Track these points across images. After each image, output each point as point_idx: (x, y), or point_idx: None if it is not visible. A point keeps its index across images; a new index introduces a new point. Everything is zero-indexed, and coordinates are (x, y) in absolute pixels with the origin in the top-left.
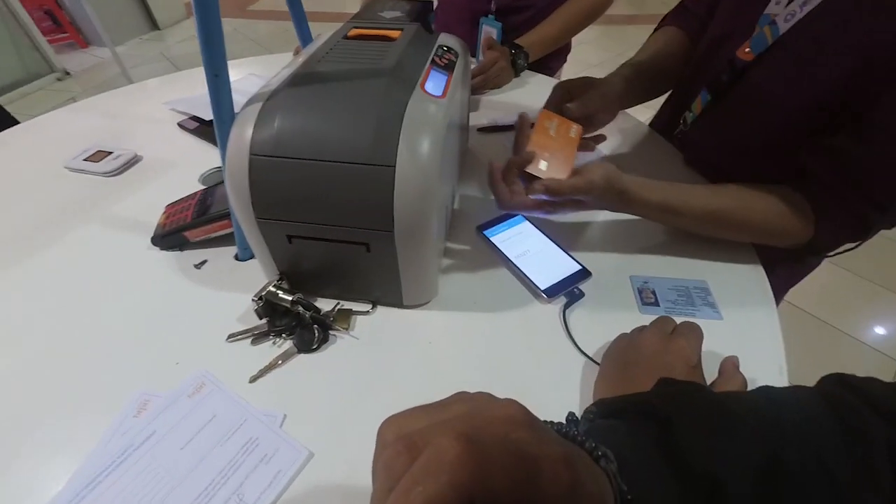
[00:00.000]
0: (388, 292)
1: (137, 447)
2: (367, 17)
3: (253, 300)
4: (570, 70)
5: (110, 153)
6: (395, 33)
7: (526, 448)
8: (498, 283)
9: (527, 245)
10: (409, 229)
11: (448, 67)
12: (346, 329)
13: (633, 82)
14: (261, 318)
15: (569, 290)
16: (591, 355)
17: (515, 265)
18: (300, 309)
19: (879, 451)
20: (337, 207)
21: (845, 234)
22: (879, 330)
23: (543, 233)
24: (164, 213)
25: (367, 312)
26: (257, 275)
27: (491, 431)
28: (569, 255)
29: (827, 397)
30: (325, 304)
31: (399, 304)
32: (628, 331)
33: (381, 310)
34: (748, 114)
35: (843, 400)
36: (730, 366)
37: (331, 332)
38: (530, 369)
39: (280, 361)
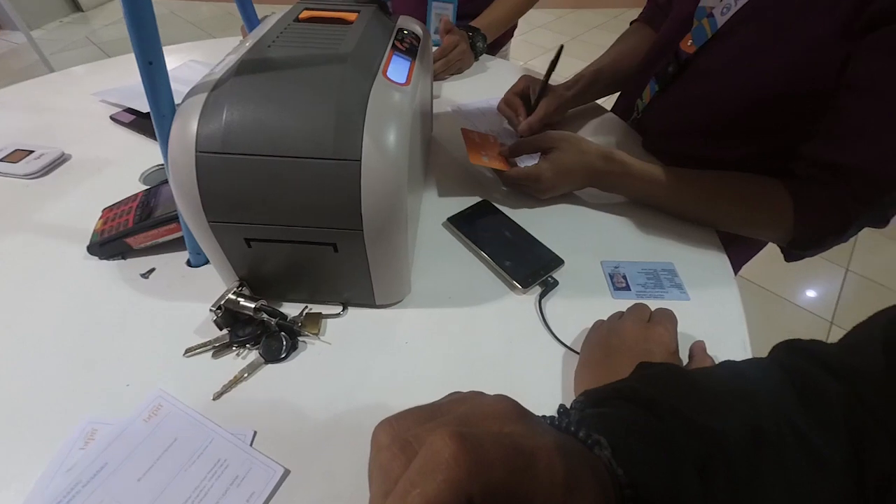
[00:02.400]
0: (359, 293)
1: (86, 483)
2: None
3: (211, 310)
4: (525, 52)
5: (31, 152)
6: (351, 16)
7: (520, 441)
8: (471, 276)
9: (498, 235)
10: (378, 227)
11: (410, 52)
12: (316, 334)
13: (586, 90)
14: (221, 329)
15: (543, 279)
16: (569, 344)
17: (488, 257)
18: (265, 316)
19: (835, 406)
20: (299, 207)
21: (827, 228)
22: (811, 293)
23: (514, 222)
24: (101, 217)
25: (337, 315)
26: (214, 281)
27: (485, 428)
28: (541, 243)
29: (783, 365)
30: (291, 309)
31: (371, 303)
32: (604, 317)
33: (352, 311)
34: (692, 102)
35: (798, 365)
36: (699, 349)
37: (300, 338)
38: (510, 362)
39: (246, 374)
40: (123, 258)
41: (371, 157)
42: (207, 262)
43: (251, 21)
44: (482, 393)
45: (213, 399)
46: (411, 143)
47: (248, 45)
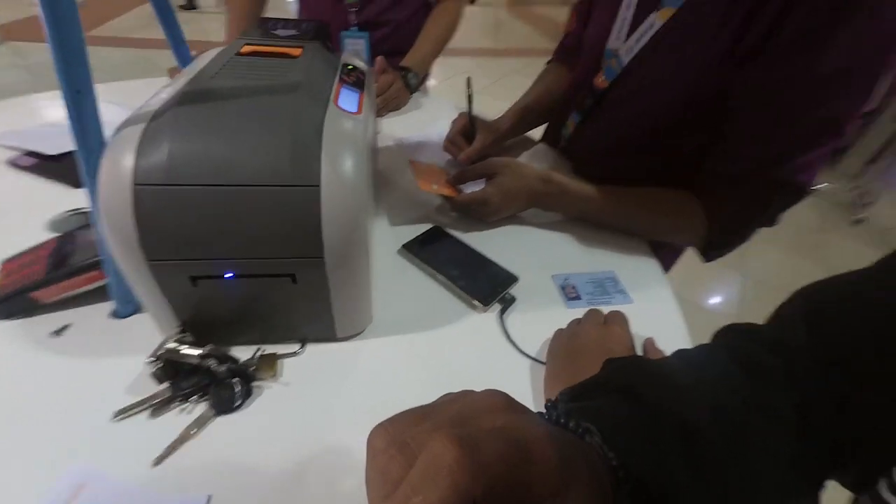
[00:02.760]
0: (318, 326)
1: None
2: (257, 35)
3: (148, 362)
4: (450, 94)
5: None
6: (295, 51)
7: (514, 433)
8: (431, 300)
9: (453, 258)
10: (340, 253)
11: (357, 85)
12: (273, 376)
13: (518, 125)
14: (160, 383)
15: (501, 296)
16: (533, 355)
17: (447, 279)
18: (213, 363)
19: (773, 376)
20: (254, 238)
21: (731, 230)
22: (716, 298)
23: (466, 245)
24: (1, 271)
25: (295, 353)
26: (146, 331)
27: (479, 424)
28: (494, 262)
29: (727, 347)
30: (242, 353)
31: (332, 337)
32: (563, 326)
33: (311, 347)
34: (610, 128)
35: (739, 345)
36: (650, 345)
37: (254, 383)
38: (480, 378)
39: (194, 430)
40: (27, 316)
41: (330, 182)
42: (136, 311)
43: (184, 59)
44: (472, 391)
45: (154, 465)
46: (367, 170)
47: (186, 78)
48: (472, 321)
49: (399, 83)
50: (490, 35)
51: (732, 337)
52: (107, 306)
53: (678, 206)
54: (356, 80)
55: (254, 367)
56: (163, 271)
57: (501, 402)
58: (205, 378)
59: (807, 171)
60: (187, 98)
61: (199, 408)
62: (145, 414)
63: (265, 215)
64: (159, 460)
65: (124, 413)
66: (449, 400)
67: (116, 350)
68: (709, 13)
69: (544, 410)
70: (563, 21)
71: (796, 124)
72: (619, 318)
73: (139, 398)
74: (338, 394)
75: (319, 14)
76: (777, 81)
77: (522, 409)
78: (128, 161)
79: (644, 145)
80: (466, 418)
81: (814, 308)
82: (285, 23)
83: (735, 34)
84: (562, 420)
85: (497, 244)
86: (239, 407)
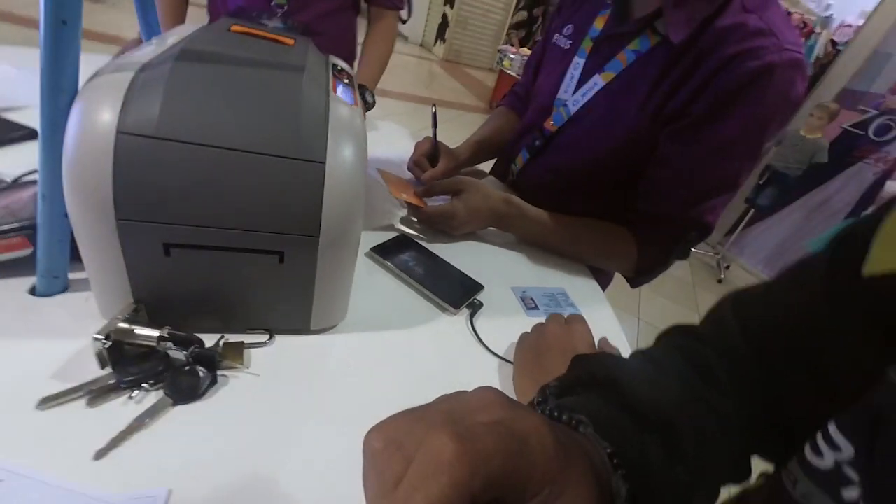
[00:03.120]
0: (292, 315)
1: None
2: (243, 22)
3: (97, 338)
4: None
5: None
6: (288, 40)
7: (511, 425)
8: (402, 301)
9: (421, 264)
10: (335, 234)
11: (350, 84)
12: (240, 367)
13: (475, 155)
14: (102, 368)
15: (469, 301)
16: (502, 355)
17: (416, 283)
18: (171, 347)
19: (718, 372)
20: (249, 208)
21: (657, 259)
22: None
23: (433, 253)
24: None
25: (263, 344)
26: (73, 311)
27: (475, 420)
28: (460, 271)
29: (679, 347)
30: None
31: (305, 328)
32: (527, 331)
33: (280, 339)
34: (556, 167)
35: (690, 346)
36: (605, 343)
37: (219, 372)
38: (451, 377)
39: (147, 420)
40: None
41: (335, 161)
42: (64, 289)
43: (151, 29)
44: (465, 391)
45: (96, 458)
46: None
47: (175, 39)
48: (442, 323)
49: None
50: (424, 85)
51: (680, 337)
52: (21, 282)
53: (615, 237)
54: (348, 79)
55: (220, 354)
56: (133, 234)
57: (495, 398)
58: (159, 364)
59: (712, 213)
60: (185, 56)
61: (151, 396)
62: (81, 402)
63: (264, 186)
64: (102, 453)
65: (54, 400)
66: (443, 399)
67: (37, 332)
68: (641, 82)
69: (535, 404)
70: (489, 83)
71: (706, 175)
72: (579, 319)
73: (70, 385)
74: (310, 387)
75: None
76: (692, 142)
77: (517, 405)
78: (113, 106)
79: (584, 183)
80: (462, 416)
81: (741, 310)
82: (269, 16)
83: (661, 101)
84: (555, 414)
85: (459, 256)
86: (201, 397)
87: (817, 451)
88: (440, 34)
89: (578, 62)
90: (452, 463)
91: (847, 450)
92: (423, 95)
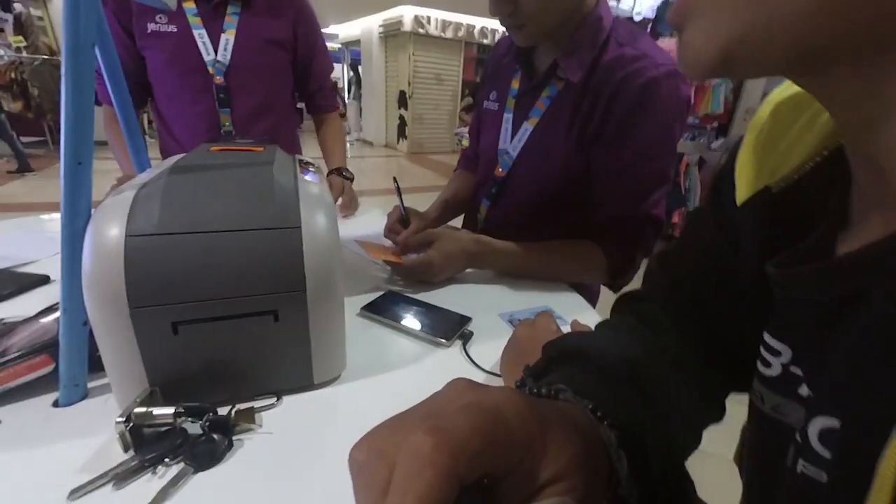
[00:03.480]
0: (295, 372)
1: None
2: (219, 143)
3: (119, 421)
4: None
5: None
6: (258, 148)
7: (481, 403)
8: (397, 345)
9: (410, 310)
10: (320, 286)
11: (315, 170)
12: (253, 429)
13: (443, 214)
14: (126, 451)
15: (460, 332)
16: (498, 373)
17: (408, 327)
18: (187, 420)
19: (669, 330)
20: (240, 276)
21: (625, 261)
22: None
23: (419, 300)
24: None
25: (272, 406)
26: (93, 416)
27: (449, 410)
28: (447, 309)
29: (630, 311)
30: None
31: (309, 383)
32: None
33: (287, 399)
34: (512, 207)
35: (636, 307)
36: (577, 324)
37: (234, 437)
38: None
39: (171, 489)
40: None
41: (308, 225)
42: (84, 396)
43: (143, 166)
44: (438, 391)
45: None
46: (335, 222)
47: (164, 166)
48: (438, 356)
49: (347, 183)
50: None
51: (628, 303)
52: (43, 399)
53: (582, 249)
54: (313, 168)
55: (233, 420)
56: (144, 319)
57: (465, 385)
58: (177, 438)
59: (657, 207)
60: (175, 171)
61: (173, 469)
62: (108, 487)
63: (253, 256)
64: None
65: (82, 490)
66: (419, 404)
67: (61, 438)
68: (560, 119)
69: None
70: (453, 163)
71: (638, 177)
72: (543, 315)
73: (95, 475)
74: (322, 437)
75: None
76: (616, 154)
77: (487, 385)
78: (121, 218)
79: (543, 214)
80: (436, 410)
81: (665, 262)
82: (241, 136)
83: (580, 129)
84: (535, 391)
85: (445, 298)
86: (220, 460)
87: (765, 363)
88: (401, 133)
89: (508, 117)
90: (432, 455)
91: (785, 352)
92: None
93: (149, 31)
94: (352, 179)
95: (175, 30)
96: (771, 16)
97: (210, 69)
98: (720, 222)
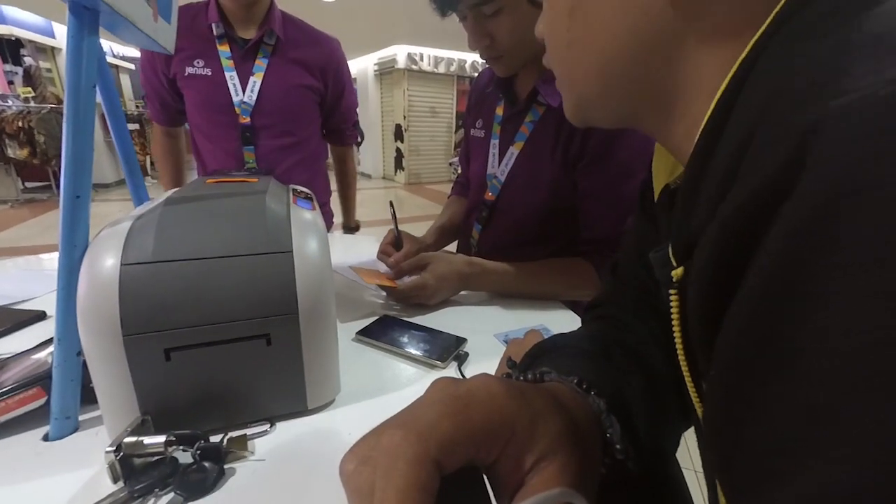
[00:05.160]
0: (289, 397)
1: None
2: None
3: (108, 451)
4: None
5: None
6: (253, 179)
7: (454, 392)
8: (392, 369)
9: (405, 333)
10: (312, 307)
11: (308, 199)
12: (245, 456)
13: (439, 240)
14: (115, 482)
15: (455, 353)
16: None
17: (404, 350)
18: (178, 448)
19: (625, 318)
20: (234, 301)
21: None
22: None
23: (414, 323)
24: None
25: (265, 433)
26: (82, 449)
27: (423, 406)
28: (442, 331)
29: (594, 318)
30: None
31: (303, 408)
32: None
33: (281, 425)
34: (503, 230)
35: (598, 311)
36: (537, 335)
37: (226, 465)
38: None
39: None
40: None
41: (300, 249)
42: (75, 429)
43: (140, 198)
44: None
45: None
46: (327, 247)
47: (161, 199)
48: (433, 379)
49: None
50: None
51: (591, 310)
52: (32, 434)
53: (574, 267)
54: (306, 196)
55: (225, 448)
56: (137, 346)
57: (442, 382)
58: (167, 468)
59: None
60: (170, 202)
61: (163, 500)
62: None
63: (246, 281)
64: None
65: None
66: (401, 410)
67: (52, 470)
68: (544, 142)
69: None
70: (448, 191)
71: (623, 195)
72: (533, 333)
73: None
74: (315, 466)
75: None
76: (599, 172)
77: (464, 379)
78: (116, 248)
79: (534, 234)
80: (412, 410)
81: (618, 262)
82: (237, 170)
83: (564, 150)
84: (520, 378)
85: (440, 321)
86: (211, 490)
87: None
88: (398, 164)
89: (494, 142)
90: (401, 445)
91: None
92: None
93: (186, 73)
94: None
95: (210, 73)
96: (580, 95)
97: (237, 109)
98: (650, 216)
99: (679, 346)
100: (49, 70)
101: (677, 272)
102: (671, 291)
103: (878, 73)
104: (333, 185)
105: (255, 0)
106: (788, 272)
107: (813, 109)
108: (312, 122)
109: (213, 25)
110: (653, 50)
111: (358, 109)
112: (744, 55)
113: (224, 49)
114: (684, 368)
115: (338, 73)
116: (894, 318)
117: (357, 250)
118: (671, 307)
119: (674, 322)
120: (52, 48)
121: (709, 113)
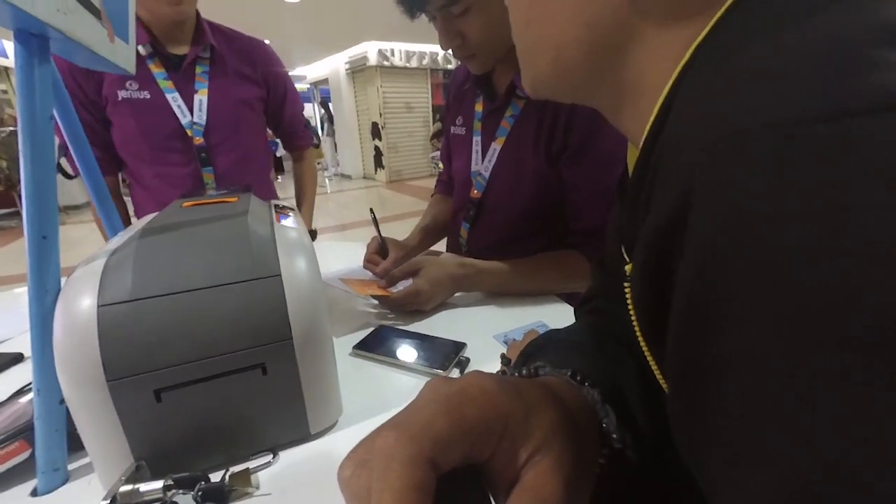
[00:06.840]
0: (290, 425)
1: None
2: (192, 198)
3: None
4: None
5: None
6: (232, 198)
7: (446, 391)
8: (393, 383)
9: (403, 343)
10: (306, 331)
11: (290, 213)
12: (250, 493)
13: (423, 240)
14: None
15: (456, 360)
16: None
17: (403, 362)
18: (178, 492)
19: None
20: (225, 333)
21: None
22: None
23: (411, 331)
24: None
25: (268, 464)
26: (76, 499)
27: (416, 407)
28: (440, 338)
29: (585, 313)
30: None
31: (306, 434)
32: None
33: (284, 455)
34: (491, 227)
35: (589, 307)
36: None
37: (230, 503)
38: None
39: None
40: None
41: (288, 271)
42: (65, 481)
43: (115, 228)
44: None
45: None
46: (315, 265)
47: (136, 228)
48: None
49: None
50: (376, 208)
51: (585, 305)
52: (20, 490)
53: (567, 259)
54: (290, 212)
55: (227, 487)
56: (123, 390)
57: (436, 382)
58: None
59: None
60: (146, 233)
61: None
62: None
63: (235, 310)
64: None
65: None
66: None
67: None
68: (526, 136)
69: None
70: (432, 187)
71: (607, 185)
72: (530, 335)
73: None
74: (323, 495)
75: None
76: (583, 163)
77: (457, 378)
78: (92, 289)
79: (524, 230)
80: (406, 412)
81: (600, 260)
82: (214, 189)
83: (546, 143)
84: (516, 374)
85: (438, 326)
86: None
87: None
88: (378, 163)
89: (476, 139)
90: (395, 447)
91: None
92: (379, 216)
93: (120, 98)
94: (313, 238)
95: (149, 96)
96: (534, 76)
97: (188, 131)
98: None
99: (640, 337)
100: (5, 91)
101: (628, 267)
102: (625, 285)
103: (749, 109)
104: (291, 192)
105: (185, 18)
106: (696, 299)
107: (701, 142)
108: (261, 131)
109: (140, 47)
110: (606, 44)
111: (332, 109)
112: (686, 58)
113: (158, 70)
114: (649, 358)
115: (276, 75)
116: (782, 337)
117: (345, 260)
118: (626, 300)
119: (631, 314)
120: (6, 69)
121: (653, 117)
